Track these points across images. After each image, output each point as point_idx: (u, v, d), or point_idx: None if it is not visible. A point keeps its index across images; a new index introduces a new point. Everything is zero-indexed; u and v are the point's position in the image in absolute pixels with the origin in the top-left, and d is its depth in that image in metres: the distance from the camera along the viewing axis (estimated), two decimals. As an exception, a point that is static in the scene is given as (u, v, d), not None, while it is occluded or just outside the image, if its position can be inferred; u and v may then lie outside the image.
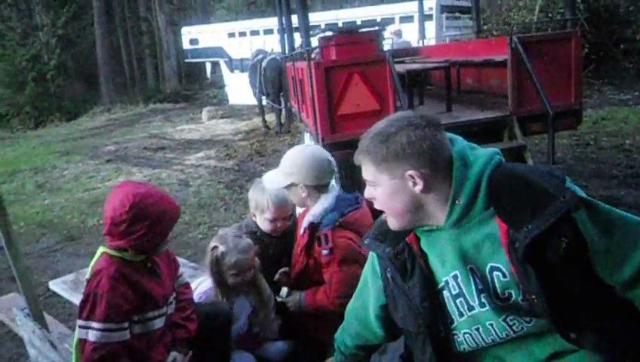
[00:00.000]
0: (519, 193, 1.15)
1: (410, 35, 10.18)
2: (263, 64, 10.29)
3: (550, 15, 10.67)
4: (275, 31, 10.09)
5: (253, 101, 12.28)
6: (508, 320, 1.21)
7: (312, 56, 4.78)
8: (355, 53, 4.76)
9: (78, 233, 6.06)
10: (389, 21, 8.50)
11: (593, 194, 3.89)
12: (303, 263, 2.06)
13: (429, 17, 10.75)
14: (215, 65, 16.72)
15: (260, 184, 2.28)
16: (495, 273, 1.19)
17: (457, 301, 1.25)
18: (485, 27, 10.57)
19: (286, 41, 7.89)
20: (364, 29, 5.34)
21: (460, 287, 1.24)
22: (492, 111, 4.80)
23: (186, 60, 18.91)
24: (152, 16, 24.06)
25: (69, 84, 22.62)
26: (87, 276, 1.79)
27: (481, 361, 1.31)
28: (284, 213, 2.20)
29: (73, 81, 23.12)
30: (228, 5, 23.58)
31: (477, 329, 1.24)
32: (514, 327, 1.21)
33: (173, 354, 1.89)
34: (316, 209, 1.97)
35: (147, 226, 1.72)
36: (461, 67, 5.96)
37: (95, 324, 1.68)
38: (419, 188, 1.20)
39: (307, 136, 7.77)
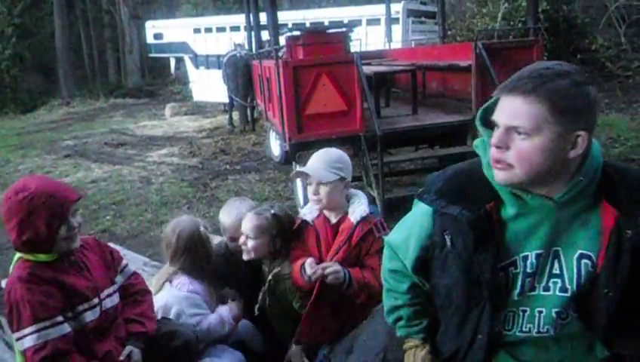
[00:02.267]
0: (635, 184, 1.15)
1: (377, 38, 10.28)
2: (224, 60, 10.21)
3: (512, 23, 11.00)
4: (242, 28, 10.01)
5: (218, 98, 12.15)
6: (561, 312, 1.20)
7: (279, 55, 4.76)
8: (323, 53, 4.79)
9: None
10: (356, 23, 8.55)
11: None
12: (348, 251, 2.07)
13: (396, 21, 10.87)
14: (179, 60, 16.43)
15: (227, 205, 2.39)
16: (584, 261, 1.18)
17: (527, 279, 1.21)
18: (450, 32, 10.79)
19: (253, 39, 7.84)
20: (331, 30, 5.37)
21: (536, 267, 1.20)
22: (456, 114, 4.92)
23: (150, 55, 18.50)
24: (115, 9, 23.45)
25: (26, 75, 21.76)
26: (3, 285, 1.78)
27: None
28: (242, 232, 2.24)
29: (30, 73, 22.26)
30: (194, 0, 23.20)
31: (523, 312, 1.23)
32: (559, 321, 1.21)
33: (129, 347, 1.87)
34: (364, 201, 2.13)
35: (19, 220, 1.67)
36: (427, 71, 6.06)
37: (27, 330, 1.66)
38: (577, 151, 1.10)
39: (272, 135, 7.75)
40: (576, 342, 1.24)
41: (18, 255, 1.77)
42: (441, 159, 5.75)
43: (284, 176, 6.87)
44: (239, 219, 2.24)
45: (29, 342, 1.65)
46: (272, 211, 2.22)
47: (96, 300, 1.83)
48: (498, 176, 1.15)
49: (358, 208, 2.08)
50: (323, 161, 2.08)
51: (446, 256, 1.27)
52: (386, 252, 1.50)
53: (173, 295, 2.19)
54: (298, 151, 4.43)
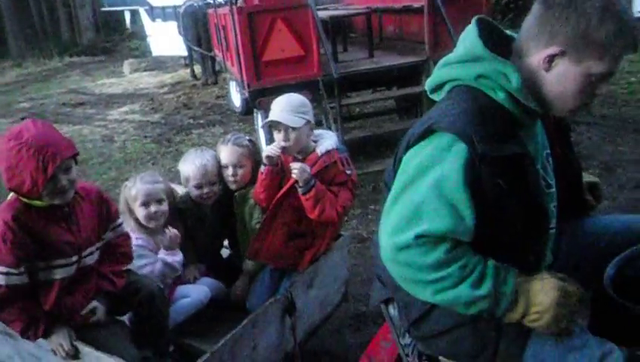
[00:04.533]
0: None
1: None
2: (181, 11, 9.94)
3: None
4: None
5: (178, 52, 11.85)
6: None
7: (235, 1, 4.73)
8: (281, -1, 4.78)
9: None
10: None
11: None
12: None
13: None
14: (135, 14, 15.81)
15: (187, 155, 2.37)
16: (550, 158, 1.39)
17: (547, 177, 1.36)
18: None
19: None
20: (286, -26, 5.31)
21: (547, 166, 1.37)
22: (411, 56, 5.02)
23: (103, 9, 17.70)
24: (61, -39, 22.16)
25: (-30, 37, 20.66)
26: None
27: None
28: (207, 178, 2.29)
29: (-25, 34, 21.11)
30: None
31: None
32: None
33: (94, 303, 1.89)
34: (332, 138, 2.23)
35: (7, 167, 1.65)
36: (383, 14, 6.09)
37: None
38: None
39: (233, 85, 7.72)
40: None
41: (11, 194, 1.76)
42: (398, 100, 5.92)
43: (249, 127, 6.91)
44: (203, 166, 2.28)
45: None
46: (247, 137, 2.32)
47: (74, 258, 1.82)
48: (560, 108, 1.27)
49: (325, 143, 2.18)
50: (289, 107, 2.14)
51: (498, 199, 1.19)
52: (422, 249, 1.18)
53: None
54: (258, 98, 4.49)
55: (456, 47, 1.32)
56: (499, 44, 1.28)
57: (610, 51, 1.15)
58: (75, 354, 1.75)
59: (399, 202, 1.22)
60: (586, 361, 1.19)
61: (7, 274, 1.70)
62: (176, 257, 2.20)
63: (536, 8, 1.22)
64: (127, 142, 7.19)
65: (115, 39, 21.55)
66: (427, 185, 1.18)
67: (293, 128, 2.11)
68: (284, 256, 2.21)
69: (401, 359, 1.53)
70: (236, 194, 2.33)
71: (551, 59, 1.19)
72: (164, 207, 2.21)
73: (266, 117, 2.25)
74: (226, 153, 2.29)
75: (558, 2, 1.17)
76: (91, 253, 1.90)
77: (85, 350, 1.74)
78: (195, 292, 2.25)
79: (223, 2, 6.58)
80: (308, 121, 2.16)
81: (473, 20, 1.30)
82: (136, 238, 2.19)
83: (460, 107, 1.22)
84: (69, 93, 11.80)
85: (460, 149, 1.16)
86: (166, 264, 2.17)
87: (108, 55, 19.04)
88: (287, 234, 2.17)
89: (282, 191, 2.14)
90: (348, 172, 2.16)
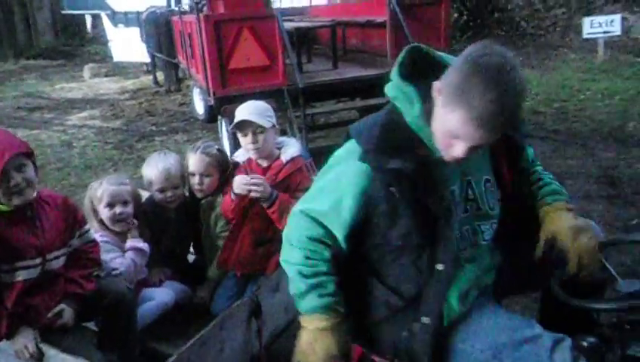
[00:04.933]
0: None
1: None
2: (143, 17, 9.86)
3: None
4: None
5: (140, 58, 11.70)
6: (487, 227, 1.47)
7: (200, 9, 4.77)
8: (243, 7, 4.85)
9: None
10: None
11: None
12: (273, 184, 2.17)
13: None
14: (96, 18, 15.50)
15: (150, 159, 2.40)
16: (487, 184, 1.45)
17: (458, 206, 1.40)
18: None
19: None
20: (252, -15, 5.40)
21: (459, 195, 1.41)
22: (374, 68, 5.19)
23: (63, 12, 17.25)
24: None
25: None
26: None
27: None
28: (170, 181, 2.32)
29: None
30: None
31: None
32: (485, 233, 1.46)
33: (62, 305, 1.90)
34: (295, 145, 2.31)
35: None
36: (346, 27, 6.26)
37: None
38: None
39: (196, 92, 7.70)
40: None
41: None
42: (360, 110, 6.07)
43: (212, 135, 6.90)
44: (166, 170, 2.30)
45: None
46: (216, 146, 2.36)
47: (38, 260, 1.83)
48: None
49: (290, 150, 2.24)
50: (256, 110, 2.19)
51: (395, 207, 1.34)
52: (301, 222, 1.45)
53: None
54: (223, 105, 4.54)
55: None
56: (428, 68, 1.39)
57: (468, 125, 1.23)
58: (40, 356, 1.74)
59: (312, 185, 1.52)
60: (541, 350, 1.30)
61: None
62: (143, 244, 2.22)
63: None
64: (87, 148, 7.05)
65: (75, 43, 21.02)
66: (329, 178, 1.44)
67: (262, 130, 2.15)
68: (252, 262, 2.25)
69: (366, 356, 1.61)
70: (203, 201, 2.36)
71: (438, 91, 1.28)
72: (129, 209, 2.23)
73: (231, 124, 2.28)
74: (194, 161, 2.32)
75: (464, 56, 1.25)
76: (57, 257, 1.91)
77: (50, 352, 1.73)
78: (160, 295, 2.26)
79: (188, 10, 6.59)
80: (274, 125, 2.22)
81: (407, 47, 1.44)
82: (101, 235, 2.20)
83: (374, 119, 1.44)
84: (25, 96, 11.43)
85: (359, 156, 1.37)
86: (136, 250, 2.18)
87: (67, 59, 18.53)
88: (255, 241, 2.22)
89: (247, 201, 2.17)
90: (313, 177, 2.22)
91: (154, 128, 7.87)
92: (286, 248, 1.49)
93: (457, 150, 1.27)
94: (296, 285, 1.45)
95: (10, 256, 1.78)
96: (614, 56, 9.41)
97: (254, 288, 2.18)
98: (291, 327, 2.49)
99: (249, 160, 2.33)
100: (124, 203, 2.21)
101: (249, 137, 2.18)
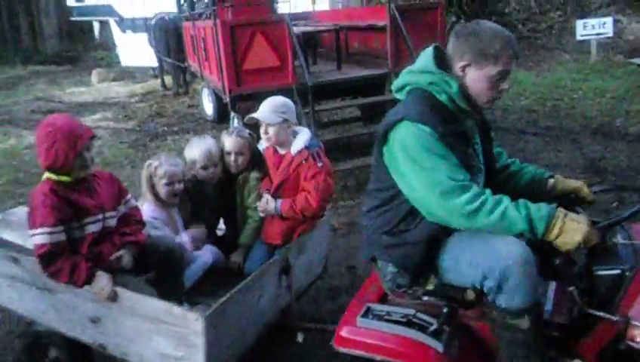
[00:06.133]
0: None
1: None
2: (152, 23, 10.23)
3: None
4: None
5: (147, 63, 12.06)
6: None
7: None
8: (252, 13, 5.28)
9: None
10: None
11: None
12: (286, 176, 2.60)
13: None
14: (104, 24, 15.88)
15: (191, 142, 2.78)
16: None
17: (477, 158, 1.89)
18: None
19: (183, 1, 8.05)
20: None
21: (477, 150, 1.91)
22: (375, 69, 5.59)
23: (72, 19, 17.61)
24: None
25: None
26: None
27: None
28: (212, 160, 2.71)
29: None
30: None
31: None
32: None
33: (122, 251, 2.33)
34: (305, 136, 2.60)
35: (45, 148, 2.15)
36: (348, 31, 6.66)
37: (36, 231, 2.15)
38: None
39: (205, 93, 8.08)
40: None
41: (46, 174, 2.24)
42: (362, 108, 6.50)
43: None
44: (208, 150, 2.68)
45: (36, 239, 2.15)
46: (248, 131, 2.75)
47: (100, 216, 2.30)
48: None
49: (298, 142, 2.60)
50: (270, 107, 2.58)
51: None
52: (453, 196, 1.65)
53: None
54: (237, 102, 4.94)
55: (416, 61, 1.90)
56: (445, 61, 1.83)
57: (500, 59, 1.71)
58: (114, 295, 2.14)
59: (413, 176, 1.71)
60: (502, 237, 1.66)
61: (50, 233, 2.14)
62: (186, 238, 2.67)
63: (450, 39, 1.80)
64: (103, 147, 7.41)
65: (80, 49, 21.40)
66: (420, 157, 1.69)
67: (269, 125, 2.55)
68: (281, 232, 2.65)
69: (386, 295, 1.98)
70: (239, 177, 2.75)
71: (463, 68, 1.75)
72: (182, 185, 2.66)
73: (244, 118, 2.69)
74: (230, 142, 2.72)
75: (462, 33, 1.77)
76: (112, 217, 2.38)
77: (122, 293, 2.12)
78: (200, 258, 2.66)
79: (199, 16, 6.99)
80: (285, 120, 2.57)
81: (431, 46, 1.86)
82: (152, 210, 2.62)
83: (420, 104, 1.77)
84: (38, 100, 11.77)
85: (427, 129, 1.71)
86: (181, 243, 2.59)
87: (73, 64, 18.91)
88: (280, 217, 2.64)
89: (274, 186, 2.63)
90: (319, 164, 2.57)
91: (165, 128, 8.24)
92: (471, 218, 1.64)
93: (504, 84, 1.75)
94: (511, 222, 1.62)
95: (79, 215, 2.23)
96: (607, 57, 9.77)
97: (283, 250, 2.55)
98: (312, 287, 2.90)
99: (267, 148, 2.74)
100: (180, 181, 2.64)
101: (262, 128, 2.59)
